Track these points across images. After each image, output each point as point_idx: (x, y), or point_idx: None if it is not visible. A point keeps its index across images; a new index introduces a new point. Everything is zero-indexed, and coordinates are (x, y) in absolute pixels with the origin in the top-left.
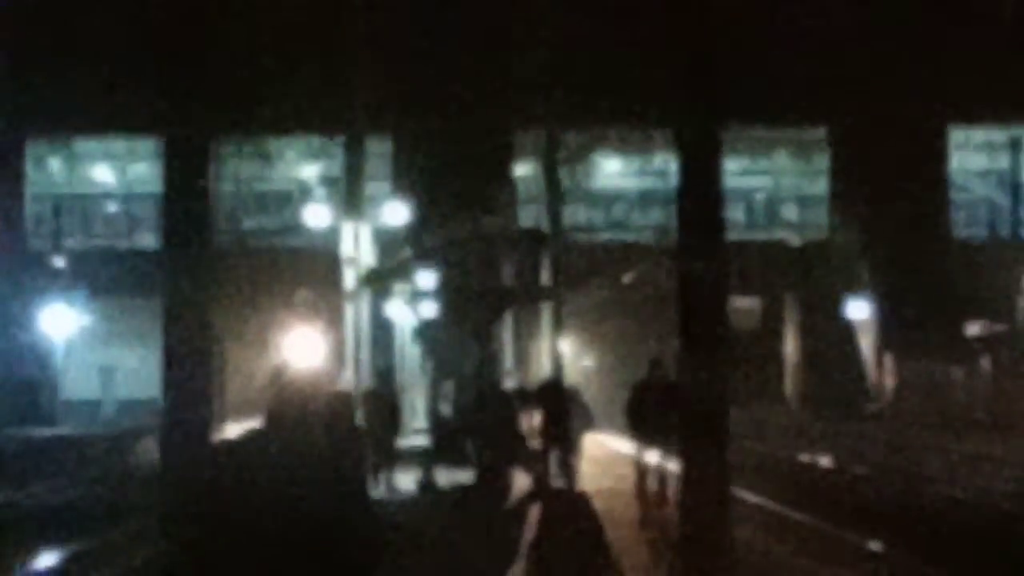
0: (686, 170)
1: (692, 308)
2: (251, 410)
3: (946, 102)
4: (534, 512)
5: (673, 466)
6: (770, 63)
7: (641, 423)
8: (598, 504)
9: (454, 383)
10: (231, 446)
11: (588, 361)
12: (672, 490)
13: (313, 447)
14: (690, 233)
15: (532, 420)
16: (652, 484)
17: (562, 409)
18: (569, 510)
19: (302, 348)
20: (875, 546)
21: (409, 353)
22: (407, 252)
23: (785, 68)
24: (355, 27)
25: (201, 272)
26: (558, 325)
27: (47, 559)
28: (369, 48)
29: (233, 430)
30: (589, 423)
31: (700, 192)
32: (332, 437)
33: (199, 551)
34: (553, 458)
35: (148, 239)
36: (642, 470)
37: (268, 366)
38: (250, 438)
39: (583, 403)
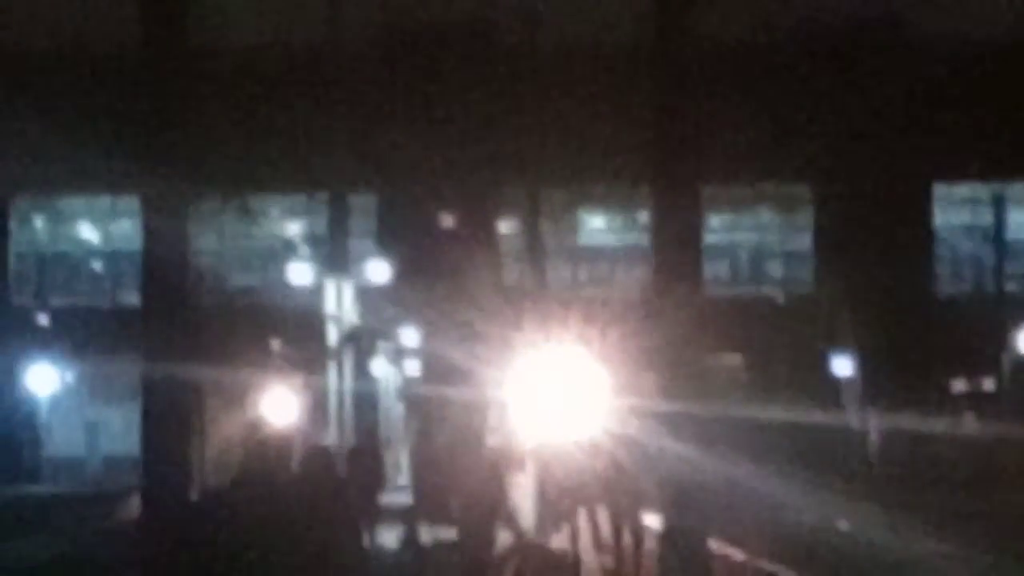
0: (663, 226)
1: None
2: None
3: (929, 158)
4: (513, 564)
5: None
6: (754, 120)
7: None
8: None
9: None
10: (203, 503)
11: None
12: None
13: (285, 501)
14: (663, 282)
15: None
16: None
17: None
18: (548, 564)
19: (278, 405)
20: None
21: (394, 410)
22: (391, 311)
23: (769, 125)
24: (340, 87)
25: (181, 331)
26: None
27: None
28: (353, 108)
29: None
30: None
31: (673, 249)
32: (314, 491)
33: None
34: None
35: (132, 297)
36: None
37: (244, 423)
38: (222, 493)
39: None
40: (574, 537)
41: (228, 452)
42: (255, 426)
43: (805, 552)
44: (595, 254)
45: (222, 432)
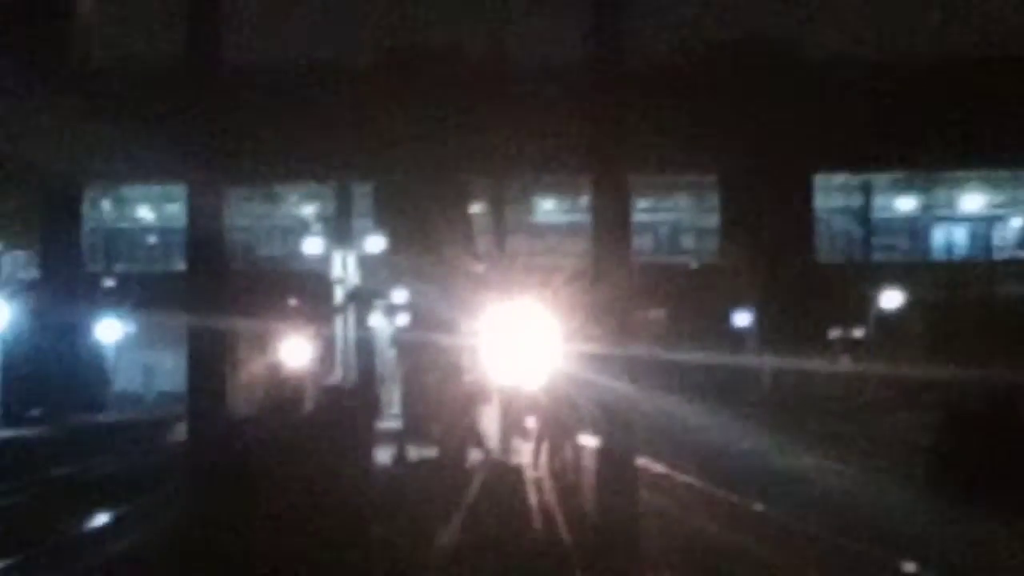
0: (600, 207)
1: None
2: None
3: (811, 154)
4: (479, 474)
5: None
6: (673, 123)
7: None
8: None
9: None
10: (236, 428)
11: None
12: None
13: (301, 427)
14: (601, 254)
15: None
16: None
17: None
18: (507, 475)
19: (294, 351)
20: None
21: (387, 354)
22: (385, 275)
23: (685, 127)
24: (345, 97)
25: (217, 291)
26: None
27: (98, 519)
28: (356, 114)
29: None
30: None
31: (610, 226)
32: (327, 420)
33: (213, 514)
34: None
35: (179, 264)
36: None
37: (266, 364)
38: (249, 421)
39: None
40: (536, 453)
41: (254, 388)
42: (275, 367)
43: (711, 465)
44: (547, 230)
45: (250, 372)
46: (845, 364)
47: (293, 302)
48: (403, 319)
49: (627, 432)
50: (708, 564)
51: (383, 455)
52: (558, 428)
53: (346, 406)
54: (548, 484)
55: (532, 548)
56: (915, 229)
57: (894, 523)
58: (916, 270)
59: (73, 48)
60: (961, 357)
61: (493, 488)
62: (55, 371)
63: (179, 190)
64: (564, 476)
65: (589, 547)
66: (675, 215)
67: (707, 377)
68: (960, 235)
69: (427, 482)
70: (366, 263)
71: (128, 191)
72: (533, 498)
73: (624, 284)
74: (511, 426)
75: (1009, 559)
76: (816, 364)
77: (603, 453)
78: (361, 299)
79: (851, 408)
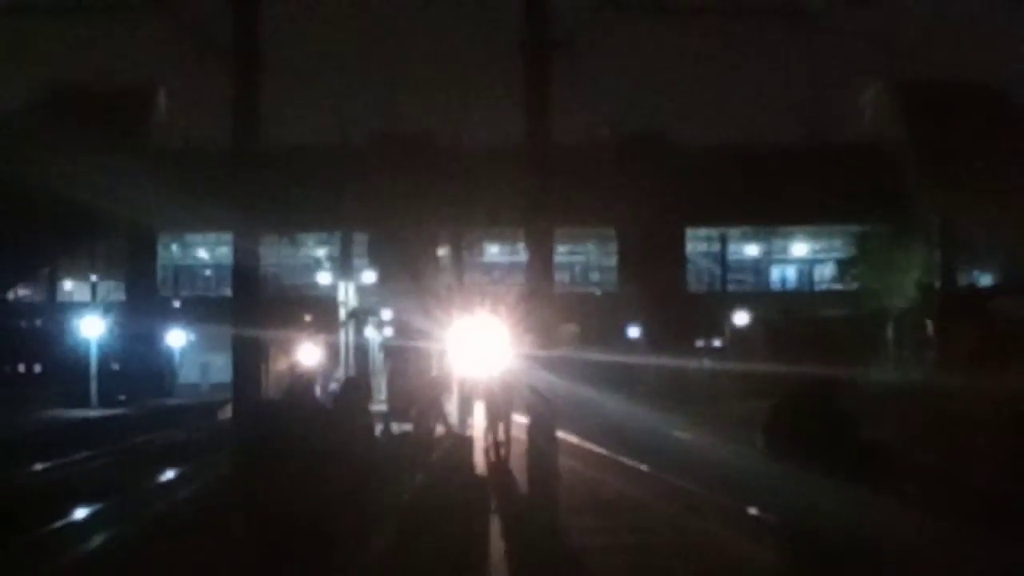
0: (532, 251)
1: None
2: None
3: (683, 213)
4: (443, 443)
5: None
6: (586, 190)
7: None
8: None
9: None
10: (267, 407)
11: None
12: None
13: (313, 407)
14: (532, 284)
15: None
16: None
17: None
18: (462, 442)
19: (308, 353)
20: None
21: (377, 356)
22: (376, 299)
23: (593, 193)
24: (348, 170)
25: (254, 310)
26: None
27: (167, 475)
28: (356, 182)
29: (272, 398)
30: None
31: (539, 265)
32: (340, 401)
33: (253, 468)
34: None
35: (227, 290)
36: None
37: (289, 363)
38: (277, 402)
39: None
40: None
41: (280, 379)
42: (295, 364)
43: (612, 437)
44: (493, 267)
45: (278, 367)
46: (708, 365)
47: (308, 318)
48: (388, 331)
49: (549, 410)
50: (605, 506)
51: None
52: (498, 409)
53: (349, 394)
54: (489, 449)
55: (470, 483)
56: (758, 268)
57: (741, 478)
58: (759, 297)
59: (151, 135)
60: (792, 360)
61: (451, 451)
62: (136, 367)
63: (227, 237)
64: (498, 444)
65: (502, 484)
66: (585, 257)
67: (609, 373)
68: (791, 272)
69: (405, 448)
70: (362, 291)
71: (191, 237)
72: (478, 457)
73: (549, 306)
74: (466, 408)
75: (819, 499)
76: (687, 365)
77: (531, 426)
78: (358, 317)
79: (713, 396)
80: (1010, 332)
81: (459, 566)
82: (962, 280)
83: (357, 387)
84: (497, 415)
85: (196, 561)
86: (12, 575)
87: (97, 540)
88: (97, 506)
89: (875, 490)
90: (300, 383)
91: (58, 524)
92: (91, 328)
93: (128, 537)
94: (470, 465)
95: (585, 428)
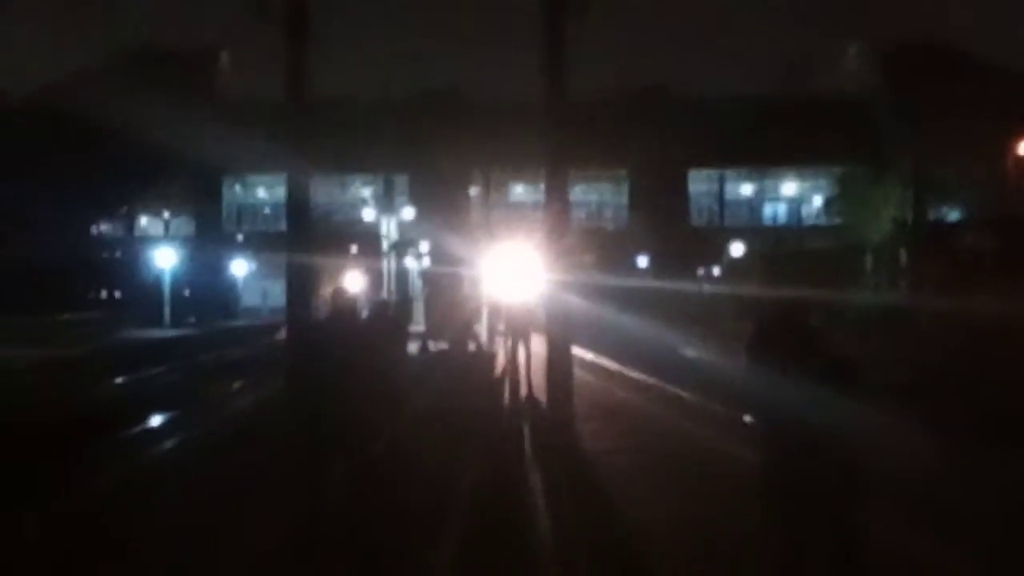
0: (552, 191)
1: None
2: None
3: (686, 157)
4: (474, 358)
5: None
6: (598, 138)
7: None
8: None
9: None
10: (315, 326)
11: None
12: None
13: (357, 325)
14: (552, 220)
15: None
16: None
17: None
18: (490, 357)
19: (352, 280)
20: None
21: (416, 283)
22: (415, 232)
23: (605, 140)
24: (390, 120)
25: (306, 242)
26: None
27: (232, 386)
28: (397, 132)
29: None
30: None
31: (556, 203)
32: (377, 321)
33: (302, 381)
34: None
35: (283, 226)
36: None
37: (335, 288)
38: (324, 323)
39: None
40: (514, 347)
41: (327, 302)
42: (340, 289)
43: (622, 353)
44: (518, 206)
45: (326, 293)
46: (707, 290)
47: (354, 249)
48: (426, 261)
49: (565, 330)
50: (613, 411)
51: (412, 347)
52: (519, 328)
53: (390, 315)
54: (508, 365)
55: (496, 389)
56: (752, 205)
57: (728, 388)
58: (753, 231)
59: (216, 89)
60: (780, 285)
61: (479, 366)
62: (204, 293)
63: (283, 178)
64: (518, 360)
65: (518, 390)
66: (599, 196)
67: (620, 295)
68: (781, 209)
69: (441, 363)
70: (403, 225)
71: (251, 179)
72: (499, 369)
73: (567, 239)
74: (494, 329)
75: (795, 399)
76: (689, 290)
77: (549, 343)
78: (399, 248)
79: (712, 317)
80: (973, 262)
81: (480, 466)
82: (932, 216)
83: (385, 311)
84: (516, 334)
85: (255, 460)
86: (98, 473)
87: (170, 443)
88: (171, 413)
89: (841, 397)
90: (343, 304)
91: (137, 428)
92: (164, 259)
93: (198, 440)
94: (493, 374)
95: (599, 345)
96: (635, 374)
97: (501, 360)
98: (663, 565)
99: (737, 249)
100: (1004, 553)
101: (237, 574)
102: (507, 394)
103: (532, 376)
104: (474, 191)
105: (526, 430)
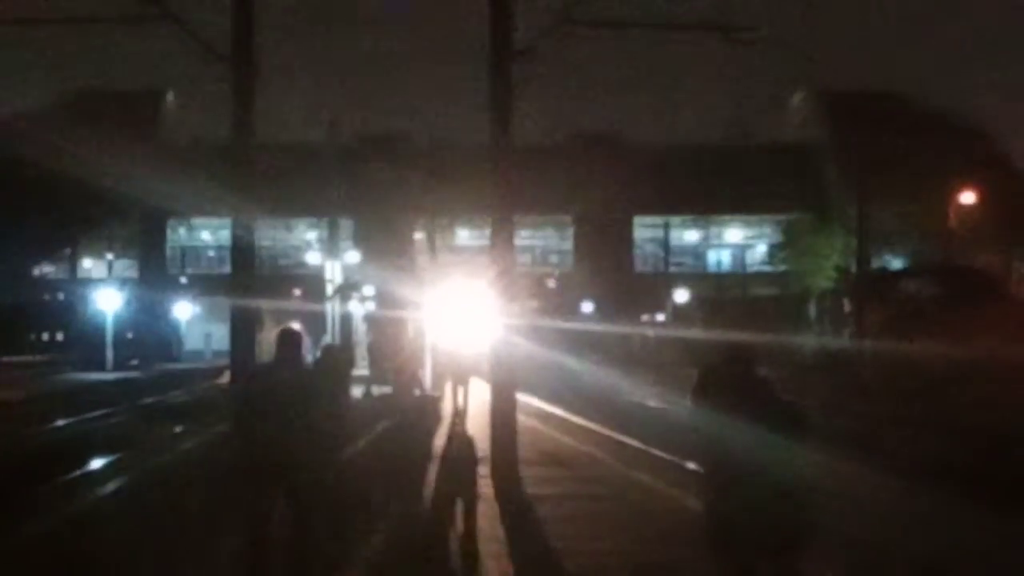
0: (497, 236)
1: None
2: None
3: (633, 202)
4: (415, 402)
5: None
6: (544, 183)
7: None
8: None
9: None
10: (261, 369)
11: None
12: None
13: (302, 370)
14: (498, 265)
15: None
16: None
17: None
18: (433, 403)
19: (297, 324)
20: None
21: (360, 327)
22: (359, 276)
23: (551, 186)
24: (333, 165)
25: (250, 286)
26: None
27: (174, 430)
28: (341, 177)
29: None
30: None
31: (502, 248)
32: (325, 366)
33: (248, 422)
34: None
35: (227, 268)
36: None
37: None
38: (270, 366)
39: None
40: (454, 392)
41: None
42: (288, 330)
43: (568, 399)
44: (464, 251)
45: (270, 337)
46: (651, 336)
47: (298, 293)
48: (370, 305)
49: (510, 374)
50: (557, 457)
51: (356, 392)
52: (461, 373)
53: (336, 358)
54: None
55: (433, 429)
56: (697, 252)
57: (674, 435)
58: (698, 277)
59: (162, 132)
60: (725, 332)
61: (422, 408)
62: (147, 335)
63: (228, 221)
64: (459, 403)
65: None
66: (544, 242)
67: (565, 338)
68: (726, 256)
69: (384, 406)
70: (347, 269)
71: (196, 221)
72: (444, 412)
73: (512, 284)
74: (439, 374)
75: (742, 446)
76: (634, 336)
77: (493, 388)
78: (343, 292)
79: (653, 360)
80: (916, 310)
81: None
82: (875, 264)
83: (337, 355)
84: (458, 378)
85: (196, 502)
86: (36, 518)
87: (111, 487)
88: (112, 457)
89: (787, 441)
90: (290, 345)
91: (76, 473)
92: (107, 301)
93: (139, 484)
94: (435, 417)
95: (545, 391)
96: (580, 420)
97: (446, 405)
98: None
99: (681, 295)
100: None
101: None
102: (446, 439)
103: (471, 421)
104: (419, 235)
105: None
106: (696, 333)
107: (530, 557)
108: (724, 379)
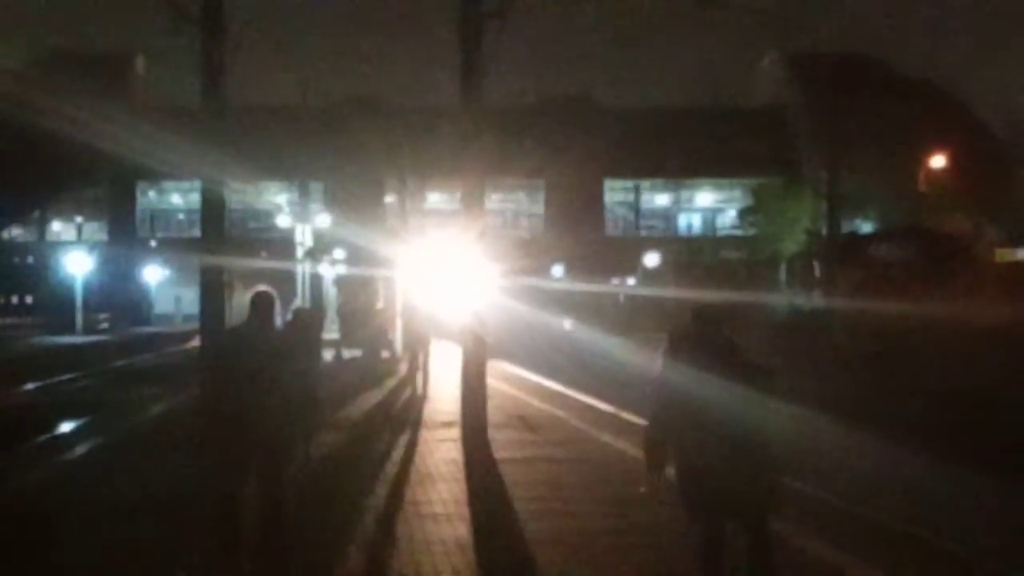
0: (468, 199)
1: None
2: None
3: (603, 167)
4: (385, 364)
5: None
6: (515, 146)
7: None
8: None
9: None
10: (231, 333)
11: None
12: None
13: (272, 333)
14: (469, 231)
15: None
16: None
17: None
18: (397, 365)
19: (267, 287)
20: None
21: (330, 290)
22: (329, 239)
23: (522, 148)
24: (307, 127)
25: (220, 249)
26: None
27: (143, 392)
28: (315, 139)
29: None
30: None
31: (474, 209)
32: (295, 329)
33: (217, 385)
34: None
35: (198, 232)
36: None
37: (250, 295)
38: (238, 330)
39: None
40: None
41: (242, 309)
42: (262, 293)
43: (539, 362)
44: (434, 213)
45: (241, 300)
46: (622, 299)
47: (268, 256)
48: (341, 268)
49: (480, 336)
50: (527, 421)
51: (327, 355)
52: (421, 337)
53: (306, 322)
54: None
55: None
56: (668, 215)
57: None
58: (668, 241)
59: (132, 94)
60: (694, 294)
61: (390, 369)
62: (117, 299)
63: (198, 184)
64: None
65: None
66: (516, 205)
67: (540, 296)
68: (696, 220)
69: (354, 368)
70: (317, 233)
71: (166, 184)
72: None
73: (481, 248)
74: (408, 336)
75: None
76: (605, 300)
77: (464, 352)
78: (314, 255)
79: (626, 324)
80: (885, 272)
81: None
82: (845, 228)
83: (307, 318)
84: (418, 342)
85: (166, 465)
86: (6, 482)
87: (81, 450)
88: (81, 420)
89: (758, 400)
90: (261, 303)
91: (46, 436)
92: (77, 264)
93: (109, 446)
94: (401, 377)
95: (519, 356)
96: (553, 383)
97: (409, 367)
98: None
99: (652, 259)
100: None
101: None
102: (413, 400)
103: (435, 382)
104: (389, 198)
105: (429, 441)
106: (667, 294)
107: (490, 520)
108: (694, 341)
